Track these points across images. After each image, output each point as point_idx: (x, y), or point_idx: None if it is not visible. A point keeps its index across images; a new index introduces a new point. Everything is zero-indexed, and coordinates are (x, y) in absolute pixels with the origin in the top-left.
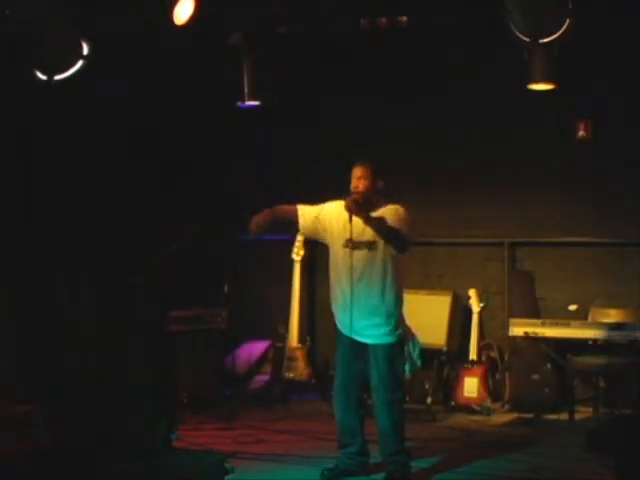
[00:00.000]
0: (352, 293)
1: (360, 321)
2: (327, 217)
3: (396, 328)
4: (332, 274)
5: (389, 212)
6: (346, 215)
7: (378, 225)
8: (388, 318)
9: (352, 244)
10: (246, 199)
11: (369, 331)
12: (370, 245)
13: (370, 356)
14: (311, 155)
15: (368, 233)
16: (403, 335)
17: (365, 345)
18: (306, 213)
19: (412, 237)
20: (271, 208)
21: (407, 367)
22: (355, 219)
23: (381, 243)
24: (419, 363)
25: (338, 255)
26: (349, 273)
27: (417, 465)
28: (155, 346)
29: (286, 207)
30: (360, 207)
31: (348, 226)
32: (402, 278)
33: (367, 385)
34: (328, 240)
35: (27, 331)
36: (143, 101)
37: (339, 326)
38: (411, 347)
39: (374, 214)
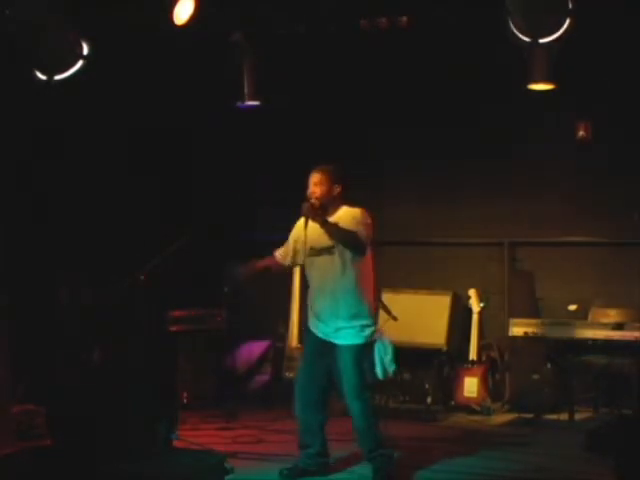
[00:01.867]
0: (317, 298)
1: (327, 325)
2: (295, 237)
3: (362, 330)
4: (309, 283)
5: (345, 215)
6: (310, 224)
7: (333, 229)
8: (352, 320)
9: (313, 251)
10: (246, 198)
11: (336, 333)
12: (329, 250)
13: (337, 357)
14: (310, 155)
15: (326, 238)
16: (372, 337)
17: (333, 346)
18: (283, 254)
19: (369, 239)
20: (262, 263)
21: (379, 370)
22: (311, 226)
23: (340, 247)
24: (392, 368)
25: (306, 264)
26: (313, 279)
27: (416, 465)
28: (155, 346)
29: (270, 261)
30: (316, 212)
31: (304, 233)
32: (368, 279)
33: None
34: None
35: (27, 331)
36: (143, 101)
37: (310, 327)
38: (382, 351)
39: (331, 219)
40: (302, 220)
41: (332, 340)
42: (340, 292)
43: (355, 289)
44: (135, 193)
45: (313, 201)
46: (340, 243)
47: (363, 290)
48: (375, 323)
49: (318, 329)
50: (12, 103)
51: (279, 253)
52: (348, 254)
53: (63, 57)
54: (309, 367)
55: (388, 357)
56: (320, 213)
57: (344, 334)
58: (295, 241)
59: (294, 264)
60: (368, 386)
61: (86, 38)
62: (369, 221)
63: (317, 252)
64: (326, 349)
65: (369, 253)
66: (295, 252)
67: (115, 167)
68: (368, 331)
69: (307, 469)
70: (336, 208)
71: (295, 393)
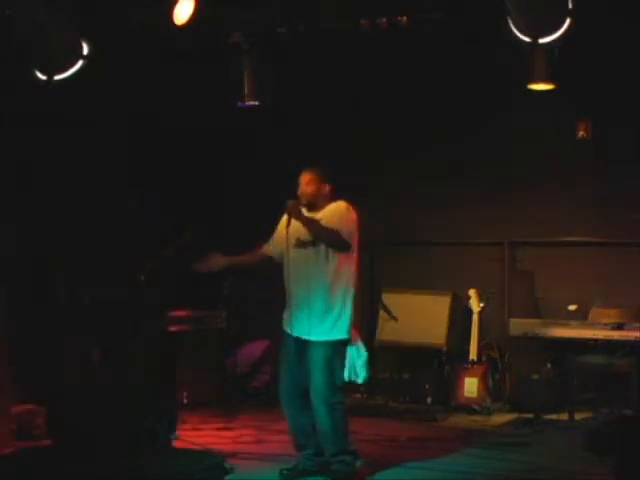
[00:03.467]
0: (296, 290)
1: (300, 318)
2: (281, 232)
3: (334, 326)
4: (284, 273)
5: (330, 211)
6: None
7: (315, 229)
8: (324, 315)
9: (300, 243)
10: (246, 199)
11: (308, 329)
12: (313, 243)
13: (309, 357)
14: (310, 155)
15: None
16: (344, 335)
17: (307, 347)
18: (269, 251)
19: (353, 235)
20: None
21: (346, 372)
22: (294, 222)
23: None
24: (362, 375)
25: (289, 254)
26: (293, 271)
27: (417, 465)
28: (155, 346)
29: (249, 255)
30: (299, 210)
31: (285, 230)
32: (348, 278)
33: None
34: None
35: (27, 331)
36: (143, 101)
37: (285, 328)
38: (355, 355)
39: (317, 215)
40: (285, 217)
41: (305, 337)
42: (316, 284)
43: (331, 284)
44: (135, 193)
45: (295, 202)
46: (322, 242)
47: (340, 287)
48: (349, 322)
49: (292, 327)
50: (11, 102)
51: (265, 246)
52: (331, 249)
53: (63, 57)
54: (291, 370)
55: (360, 362)
56: (301, 212)
57: (316, 330)
58: (279, 235)
59: (278, 255)
60: (338, 389)
61: (86, 38)
62: (353, 216)
63: (302, 244)
64: (302, 348)
65: (354, 252)
66: (280, 246)
67: (115, 167)
68: (339, 328)
69: (307, 469)
70: (324, 206)
71: (281, 397)
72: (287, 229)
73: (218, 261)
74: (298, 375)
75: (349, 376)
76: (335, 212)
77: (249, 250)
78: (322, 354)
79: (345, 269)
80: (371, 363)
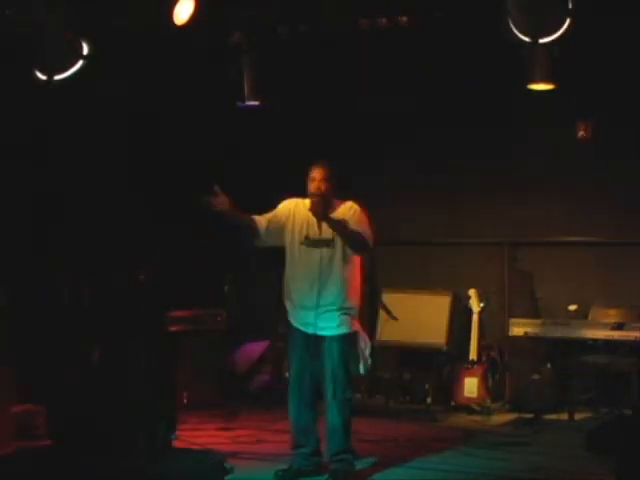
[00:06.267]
0: (312, 289)
1: (315, 314)
2: (282, 218)
3: (347, 321)
4: (289, 272)
5: (346, 212)
6: (307, 213)
7: (342, 231)
8: (341, 311)
9: (311, 242)
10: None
11: (324, 323)
12: (329, 243)
13: (325, 352)
14: (310, 155)
15: (327, 231)
16: (355, 333)
17: (321, 343)
18: (264, 225)
19: (372, 237)
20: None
21: (361, 366)
22: (311, 217)
23: (339, 241)
24: (369, 362)
25: (297, 253)
26: (309, 270)
27: (417, 465)
28: (155, 346)
29: (246, 217)
30: (327, 211)
31: (311, 225)
32: (357, 274)
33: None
34: (285, 239)
35: (27, 331)
36: (143, 101)
37: (295, 324)
38: (363, 345)
39: (333, 215)
40: (297, 205)
41: (317, 333)
42: (333, 283)
43: (351, 283)
44: (135, 193)
45: (320, 200)
46: (346, 243)
47: (352, 284)
48: (356, 314)
49: (304, 323)
50: (12, 102)
51: (260, 222)
52: (347, 249)
53: (63, 57)
54: (300, 368)
55: (367, 351)
56: (328, 214)
57: (331, 325)
58: (283, 221)
59: (264, 243)
60: (350, 384)
61: (86, 38)
62: (367, 216)
63: (314, 243)
64: (315, 348)
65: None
66: (278, 235)
67: (115, 167)
68: (352, 321)
69: (302, 469)
70: (333, 203)
71: (290, 395)
72: (301, 223)
73: (225, 203)
74: (308, 371)
75: (365, 368)
76: (352, 214)
77: (251, 213)
78: (338, 348)
79: (357, 266)
80: (372, 359)
